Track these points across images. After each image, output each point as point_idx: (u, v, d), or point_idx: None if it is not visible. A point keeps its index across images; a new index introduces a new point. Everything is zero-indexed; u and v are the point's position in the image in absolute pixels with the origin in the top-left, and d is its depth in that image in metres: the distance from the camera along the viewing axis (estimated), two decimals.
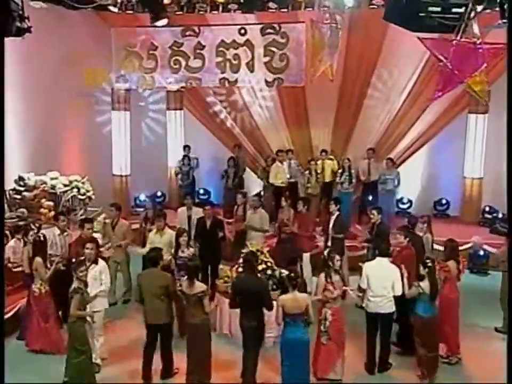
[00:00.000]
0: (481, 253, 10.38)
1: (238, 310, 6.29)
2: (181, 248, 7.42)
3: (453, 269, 6.91)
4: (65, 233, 7.94)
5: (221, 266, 7.85)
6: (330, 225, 8.65)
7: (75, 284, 6.08)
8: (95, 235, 7.87)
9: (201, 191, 13.40)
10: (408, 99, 11.83)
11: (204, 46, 11.66)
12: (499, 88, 9.22)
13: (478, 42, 7.70)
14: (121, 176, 12.62)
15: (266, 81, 11.66)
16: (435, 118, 11.82)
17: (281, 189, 11.28)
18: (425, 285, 6.38)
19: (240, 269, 7.28)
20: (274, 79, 11.54)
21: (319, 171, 11.47)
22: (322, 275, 6.45)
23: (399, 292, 6.51)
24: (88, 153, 12.22)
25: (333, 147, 12.28)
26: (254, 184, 12.85)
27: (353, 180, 11.24)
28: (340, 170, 11.38)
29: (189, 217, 8.83)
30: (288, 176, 11.50)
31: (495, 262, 9.21)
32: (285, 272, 6.97)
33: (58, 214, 8.49)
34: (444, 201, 12.30)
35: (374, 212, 8.26)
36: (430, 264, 6.42)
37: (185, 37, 11.72)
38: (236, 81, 11.78)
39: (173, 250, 7.51)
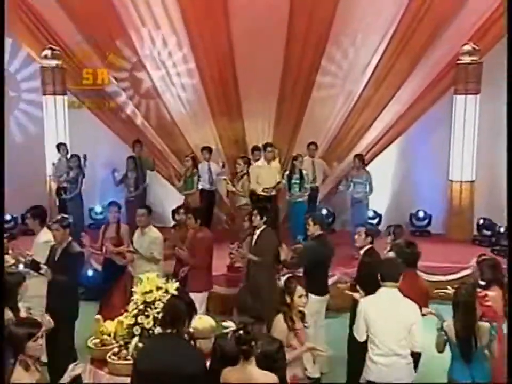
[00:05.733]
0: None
1: None
2: None
3: (496, 303, 4.91)
4: None
5: (97, 316, 5.04)
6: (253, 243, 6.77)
7: None
8: None
9: (98, 209, 10.94)
10: (373, 79, 10.07)
11: None
12: (494, 60, 8.83)
13: None
14: None
15: None
16: (410, 102, 10.16)
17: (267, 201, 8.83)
18: (447, 326, 4.46)
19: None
20: None
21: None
22: (281, 317, 4.46)
23: (420, 347, 4.49)
24: None
25: (275, 143, 10.04)
26: (167, 196, 10.53)
27: (306, 185, 9.23)
28: (286, 172, 9.40)
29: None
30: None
31: None
32: None
33: None
34: (422, 214, 10.66)
35: (310, 221, 6.50)
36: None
37: None
38: None
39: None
